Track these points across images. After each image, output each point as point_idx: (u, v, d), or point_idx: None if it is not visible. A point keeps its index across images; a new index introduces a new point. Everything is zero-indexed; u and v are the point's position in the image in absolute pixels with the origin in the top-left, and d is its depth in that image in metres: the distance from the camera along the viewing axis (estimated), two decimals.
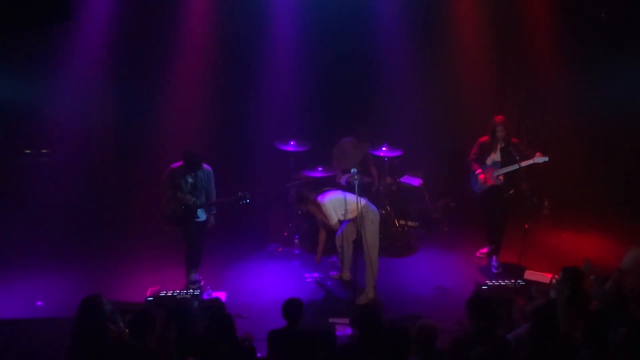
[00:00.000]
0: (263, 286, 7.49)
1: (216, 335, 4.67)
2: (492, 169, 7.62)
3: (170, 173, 7.04)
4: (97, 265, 7.88)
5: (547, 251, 8.31)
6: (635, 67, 9.23)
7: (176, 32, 9.57)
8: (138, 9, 9.32)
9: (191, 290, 6.56)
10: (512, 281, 6.56)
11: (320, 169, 8.53)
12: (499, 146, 7.63)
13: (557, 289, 5.28)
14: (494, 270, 7.80)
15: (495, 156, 7.65)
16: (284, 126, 9.42)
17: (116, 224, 9.12)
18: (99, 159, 10.03)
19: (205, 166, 7.09)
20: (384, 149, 8.64)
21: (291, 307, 5.05)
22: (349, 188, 7.92)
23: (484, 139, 7.75)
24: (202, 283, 7.21)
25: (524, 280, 6.72)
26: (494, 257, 7.91)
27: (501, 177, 7.60)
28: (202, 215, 7.15)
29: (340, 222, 7.20)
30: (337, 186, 8.16)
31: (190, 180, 6.99)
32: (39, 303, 6.90)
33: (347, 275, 7.49)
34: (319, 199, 7.18)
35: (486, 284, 6.58)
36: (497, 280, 6.72)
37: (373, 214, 7.09)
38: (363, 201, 7.05)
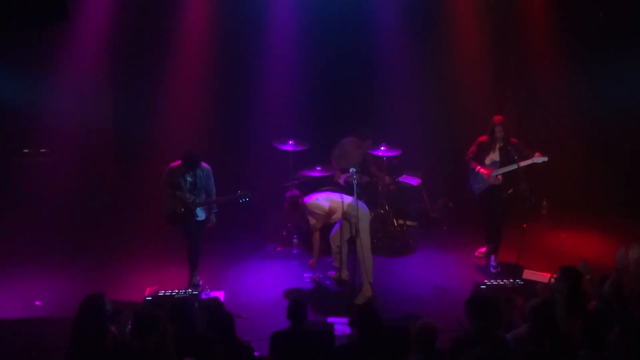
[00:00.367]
0: (262, 286, 7.49)
1: (215, 335, 4.66)
2: (491, 169, 7.63)
3: (169, 172, 7.04)
4: (96, 265, 7.87)
5: (546, 251, 8.32)
6: (634, 67, 9.24)
7: (175, 32, 9.59)
8: (137, 9, 9.34)
9: (190, 290, 6.56)
10: (511, 281, 6.57)
11: (318, 168, 8.54)
12: (497, 146, 7.63)
13: (556, 289, 5.28)
14: (493, 270, 7.81)
15: (494, 156, 7.66)
16: (282, 126, 9.42)
17: (115, 223, 9.12)
18: (98, 159, 10.04)
19: (205, 165, 7.09)
20: (382, 148, 8.65)
21: (296, 308, 5.04)
22: (347, 188, 7.93)
23: (483, 138, 7.75)
24: (201, 283, 7.22)
25: (522, 279, 6.73)
26: (493, 257, 7.92)
27: (500, 177, 7.61)
28: (201, 214, 7.15)
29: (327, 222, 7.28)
30: (335, 186, 8.18)
31: (189, 179, 6.99)
32: (37, 303, 6.90)
33: (345, 274, 7.49)
34: (305, 200, 7.26)
35: (485, 284, 6.59)
36: (495, 279, 6.74)
37: (362, 213, 7.08)
38: (349, 201, 7.11)
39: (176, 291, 6.44)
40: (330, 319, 6.48)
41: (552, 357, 4.37)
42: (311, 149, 8.76)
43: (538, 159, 7.36)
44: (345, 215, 7.14)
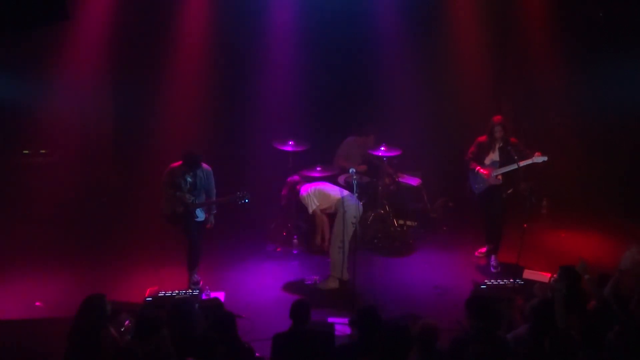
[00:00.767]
0: (262, 286, 7.48)
1: (216, 335, 4.67)
2: (491, 169, 7.63)
3: (169, 172, 7.04)
4: (96, 265, 7.87)
5: (546, 251, 8.32)
6: (634, 67, 9.25)
7: (175, 32, 9.58)
8: (137, 9, 9.33)
9: (190, 291, 6.56)
10: (511, 280, 6.56)
11: (318, 168, 8.54)
12: (497, 146, 7.64)
13: (555, 288, 5.28)
14: (493, 270, 7.81)
15: (494, 156, 7.66)
16: (282, 126, 9.42)
17: (115, 223, 9.11)
18: (98, 159, 10.04)
19: (205, 166, 7.10)
20: (382, 148, 8.65)
21: (300, 308, 5.04)
22: (347, 188, 7.94)
23: (482, 138, 7.76)
24: (201, 283, 7.22)
25: (522, 279, 6.73)
26: (493, 257, 7.92)
27: (500, 177, 7.61)
28: (200, 214, 7.15)
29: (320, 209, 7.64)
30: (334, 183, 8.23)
31: (189, 179, 6.99)
32: (38, 303, 6.90)
33: (345, 275, 7.49)
34: (301, 189, 7.59)
35: (485, 284, 6.59)
36: (496, 279, 6.72)
37: (355, 209, 7.28)
38: (341, 195, 7.35)
39: (176, 292, 6.42)
40: (330, 319, 6.48)
41: (552, 357, 4.37)
42: (311, 149, 8.76)
43: (538, 158, 7.37)
44: (337, 206, 7.37)
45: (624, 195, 9.62)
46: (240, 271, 7.89)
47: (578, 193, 9.92)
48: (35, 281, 7.39)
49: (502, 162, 7.56)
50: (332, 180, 8.52)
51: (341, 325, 6.26)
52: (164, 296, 6.32)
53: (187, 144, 7.98)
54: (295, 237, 8.53)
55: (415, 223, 9.06)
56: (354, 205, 7.31)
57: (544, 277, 6.62)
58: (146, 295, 6.44)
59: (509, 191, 7.76)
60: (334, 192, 7.59)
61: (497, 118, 7.68)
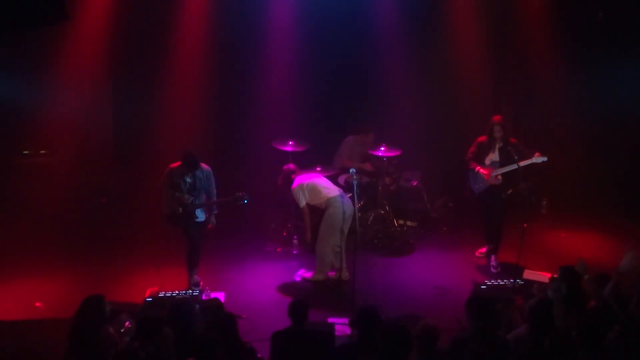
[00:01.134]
0: (262, 286, 7.48)
1: (216, 336, 4.67)
2: (491, 169, 7.63)
3: (169, 172, 7.04)
4: (96, 266, 7.87)
5: (546, 251, 8.32)
6: (634, 67, 9.25)
7: (175, 32, 9.59)
8: (137, 9, 9.33)
9: (190, 291, 6.56)
10: (511, 281, 6.56)
11: (318, 168, 8.53)
12: (497, 146, 7.64)
13: (554, 288, 5.28)
14: (493, 270, 7.81)
15: (494, 156, 7.66)
16: (282, 126, 9.42)
17: (115, 224, 9.11)
18: (98, 159, 10.03)
19: (204, 166, 7.09)
20: (382, 148, 8.65)
21: (298, 307, 5.05)
22: (347, 188, 7.94)
23: (482, 138, 7.76)
24: (201, 284, 7.22)
25: (522, 279, 6.73)
26: (493, 257, 7.92)
27: (500, 177, 7.61)
28: (201, 215, 7.15)
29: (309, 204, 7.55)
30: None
31: (188, 180, 6.99)
32: (38, 304, 6.90)
33: (345, 275, 7.49)
34: (295, 179, 7.58)
35: (485, 284, 6.58)
36: (495, 279, 6.72)
37: (348, 207, 7.31)
38: (331, 195, 7.35)
39: (176, 292, 6.42)
40: (330, 319, 6.47)
41: (552, 357, 4.37)
42: (311, 150, 8.76)
43: (538, 158, 7.37)
44: (325, 204, 7.39)
45: (624, 195, 9.63)
46: (240, 271, 7.89)
47: (578, 193, 9.92)
48: (35, 281, 7.39)
49: (502, 162, 7.56)
50: (333, 180, 8.53)
51: (341, 325, 6.26)
52: (164, 297, 6.30)
53: (186, 144, 7.98)
54: (295, 237, 8.53)
55: (415, 223, 9.05)
56: (347, 206, 7.29)
57: (544, 277, 6.62)
58: (146, 296, 6.44)
59: (509, 191, 7.76)
60: (326, 189, 7.47)
61: (497, 118, 7.68)
